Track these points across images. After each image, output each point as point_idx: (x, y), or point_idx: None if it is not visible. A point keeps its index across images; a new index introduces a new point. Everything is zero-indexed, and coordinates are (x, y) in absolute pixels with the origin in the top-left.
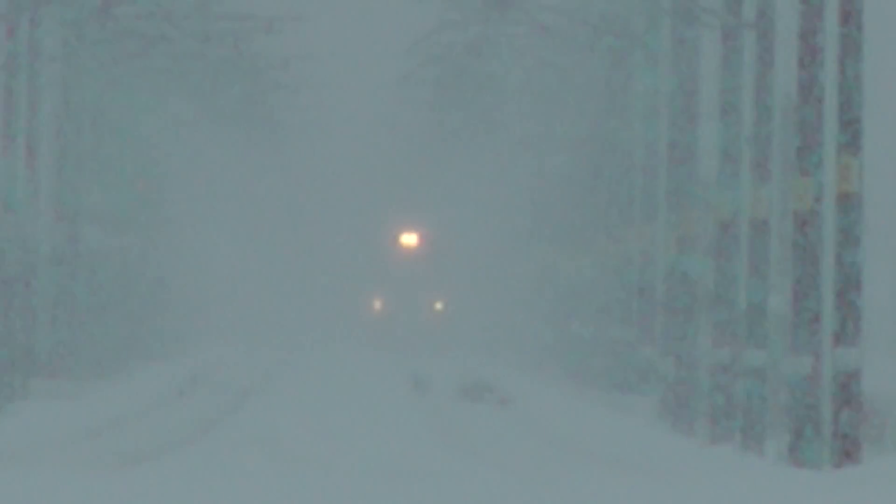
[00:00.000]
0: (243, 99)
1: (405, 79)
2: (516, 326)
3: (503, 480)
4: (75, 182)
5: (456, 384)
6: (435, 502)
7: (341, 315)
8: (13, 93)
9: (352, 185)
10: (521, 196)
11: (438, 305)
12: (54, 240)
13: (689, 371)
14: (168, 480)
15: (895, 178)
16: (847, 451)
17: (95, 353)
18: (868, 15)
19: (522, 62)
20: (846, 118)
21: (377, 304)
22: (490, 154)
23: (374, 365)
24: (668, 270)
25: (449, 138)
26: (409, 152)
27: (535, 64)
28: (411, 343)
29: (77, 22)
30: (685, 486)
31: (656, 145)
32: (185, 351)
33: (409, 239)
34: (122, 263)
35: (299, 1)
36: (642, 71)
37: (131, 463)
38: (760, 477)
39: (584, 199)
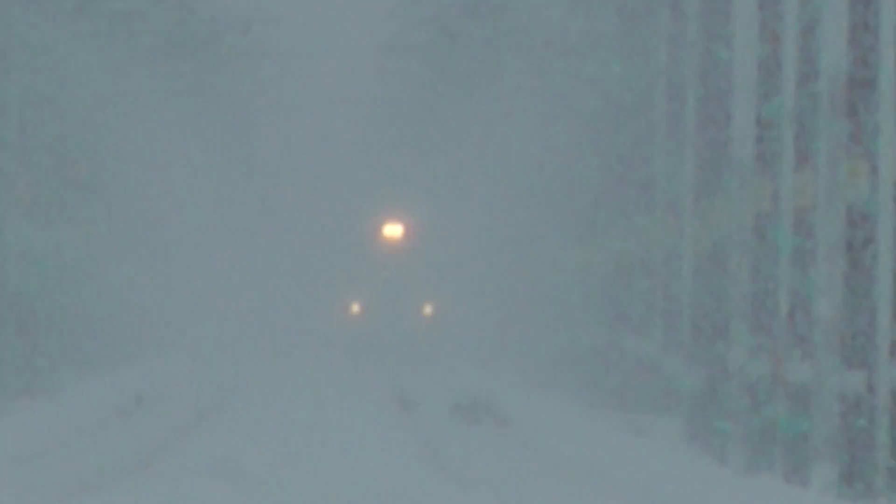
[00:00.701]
0: (198, 69)
1: (390, 44)
2: (518, 334)
3: None
4: None
5: (448, 402)
6: None
7: (314, 320)
8: None
9: (326, 168)
10: (523, 181)
11: (428, 308)
12: None
13: (722, 387)
14: None
15: None
16: None
17: (24, 366)
18: None
19: (527, 25)
20: None
21: (355, 307)
22: (488, 133)
23: (352, 379)
24: (695, 269)
25: (441, 114)
26: (394, 130)
27: (541, 27)
28: (395, 353)
29: None
30: None
31: (683, 121)
32: (130, 362)
33: (394, 230)
34: (56, 260)
35: None
36: (668, 34)
37: (66, 495)
38: None
39: (597, 185)
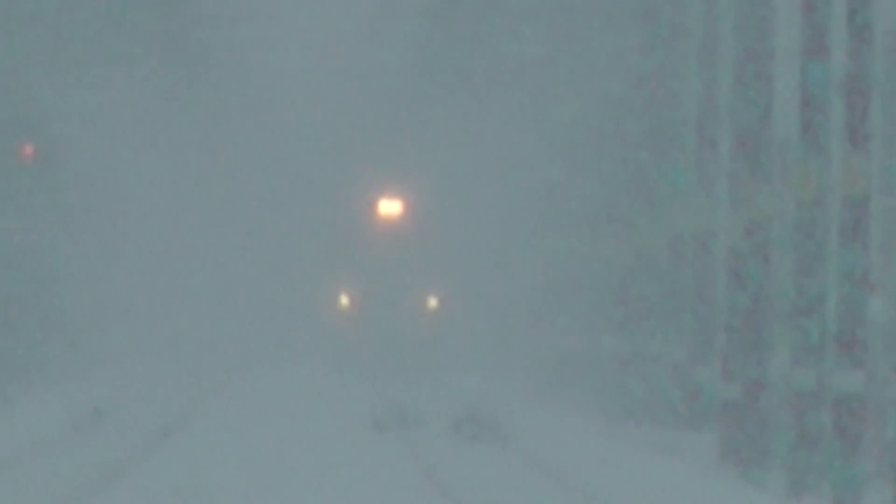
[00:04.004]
0: (163, 35)
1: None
2: (529, 335)
3: None
4: None
5: (451, 417)
6: None
7: (294, 318)
8: None
9: (311, 138)
10: (535, 159)
11: (432, 302)
12: None
13: (761, 400)
14: None
15: None
16: None
17: None
18: None
19: None
20: None
21: (344, 301)
22: (496, 99)
23: (339, 391)
24: (730, 263)
25: (442, 77)
26: (389, 94)
27: None
28: (391, 357)
29: None
30: None
31: (716, 94)
32: (83, 373)
33: (390, 207)
34: (4, 253)
35: None
36: None
37: None
38: None
39: (618, 166)
